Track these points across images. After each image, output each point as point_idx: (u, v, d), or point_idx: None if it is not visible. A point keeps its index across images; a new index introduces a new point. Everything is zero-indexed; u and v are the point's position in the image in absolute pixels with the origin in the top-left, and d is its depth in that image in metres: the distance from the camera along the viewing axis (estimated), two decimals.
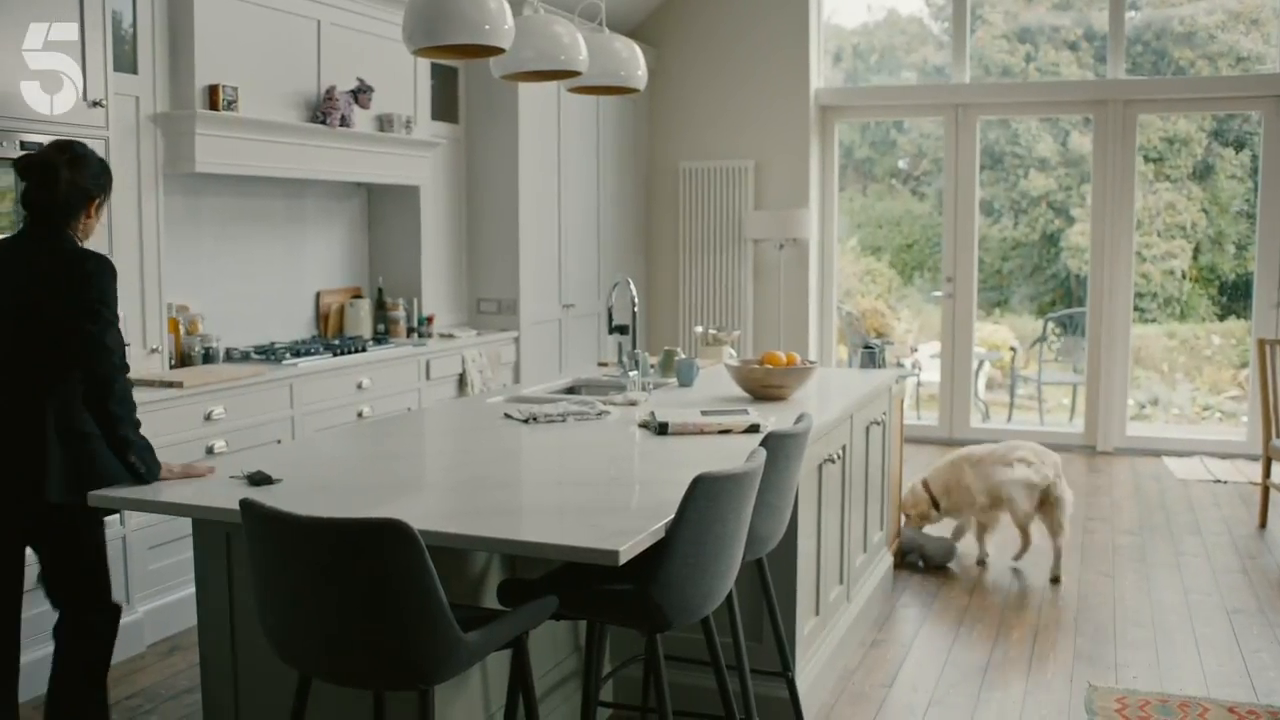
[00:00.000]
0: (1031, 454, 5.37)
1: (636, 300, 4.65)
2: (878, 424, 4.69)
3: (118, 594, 4.20)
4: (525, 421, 3.72)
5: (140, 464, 2.84)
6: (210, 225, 5.30)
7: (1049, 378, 9.44)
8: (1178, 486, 7.14)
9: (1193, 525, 6.21)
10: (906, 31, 9.20)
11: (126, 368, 2.91)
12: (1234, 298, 9.10)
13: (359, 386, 5.43)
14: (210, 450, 4.59)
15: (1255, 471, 6.97)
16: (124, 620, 4.24)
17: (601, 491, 2.92)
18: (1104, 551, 5.70)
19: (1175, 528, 6.16)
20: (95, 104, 4.05)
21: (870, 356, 9.20)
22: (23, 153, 3.29)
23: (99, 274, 2.91)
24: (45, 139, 3.87)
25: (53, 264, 2.92)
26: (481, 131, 6.92)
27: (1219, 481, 7.25)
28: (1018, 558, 5.50)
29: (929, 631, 4.58)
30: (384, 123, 5.90)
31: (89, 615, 3.14)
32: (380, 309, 6.22)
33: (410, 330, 6.28)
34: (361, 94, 5.67)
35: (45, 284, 2.91)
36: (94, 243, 3.15)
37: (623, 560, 2.24)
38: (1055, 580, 5.21)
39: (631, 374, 4.45)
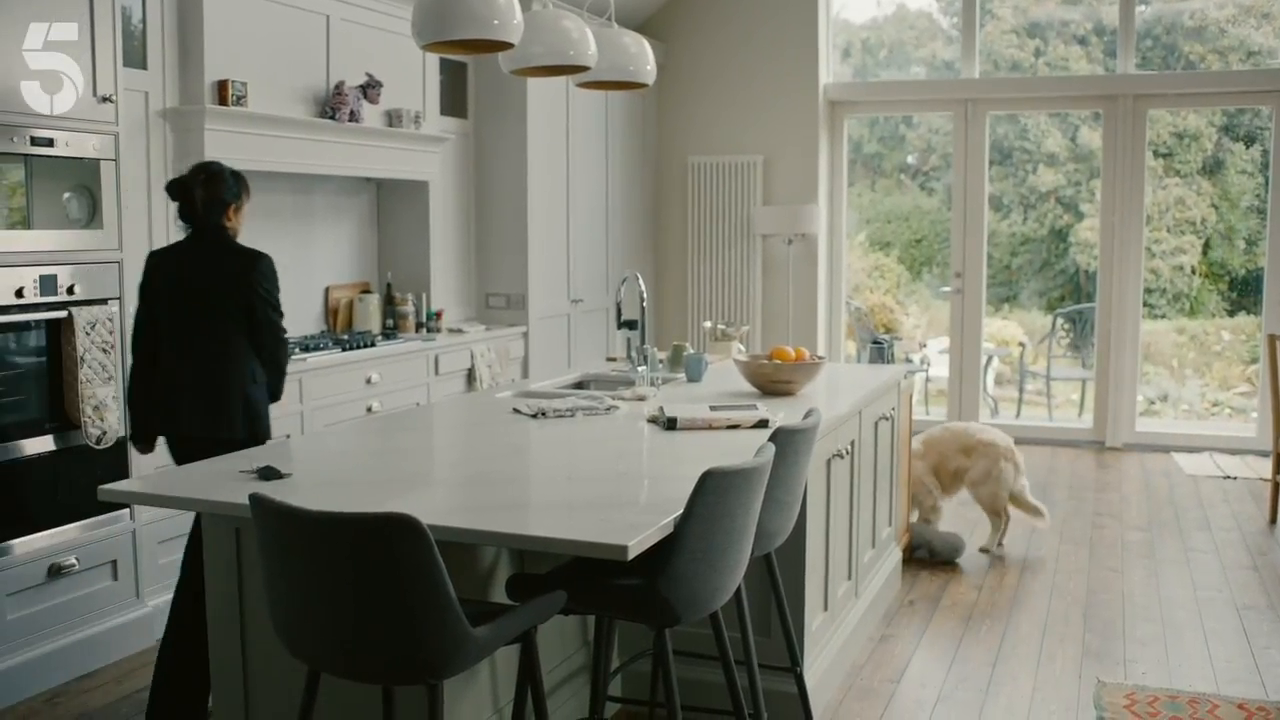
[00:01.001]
0: (981, 431, 5.66)
1: (645, 295, 4.65)
2: (886, 419, 4.68)
3: (126, 588, 4.24)
4: (534, 416, 3.72)
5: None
6: None
7: (1058, 373, 9.42)
8: (1187, 482, 7.12)
9: (1202, 521, 6.20)
10: (915, 26, 9.18)
11: (281, 352, 3.84)
12: (1244, 293, 9.07)
13: (368, 381, 5.44)
14: None
15: (1265, 467, 6.96)
16: (133, 615, 4.26)
17: (610, 486, 2.92)
18: (1113, 547, 5.69)
19: (1184, 524, 6.15)
20: (105, 99, 4.06)
21: (879, 352, 9.20)
22: (171, 176, 4.00)
23: (271, 273, 3.78)
24: (53, 134, 3.89)
25: (228, 259, 3.75)
26: (490, 127, 6.93)
27: (1228, 477, 7.23)
28: (999, 544, 5.53)
29: (937, 627, 4.58)
30: (393, 118, 5.90)
31: None
32: (389, 304, 6.23)
33: (419, 325, 6.28)
34: (370, 89, 5.67)
35: (223, 275, 3.73)
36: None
37: (631, 555, 2.24)
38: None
39: (640, 369, 4.45)
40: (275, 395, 3.87)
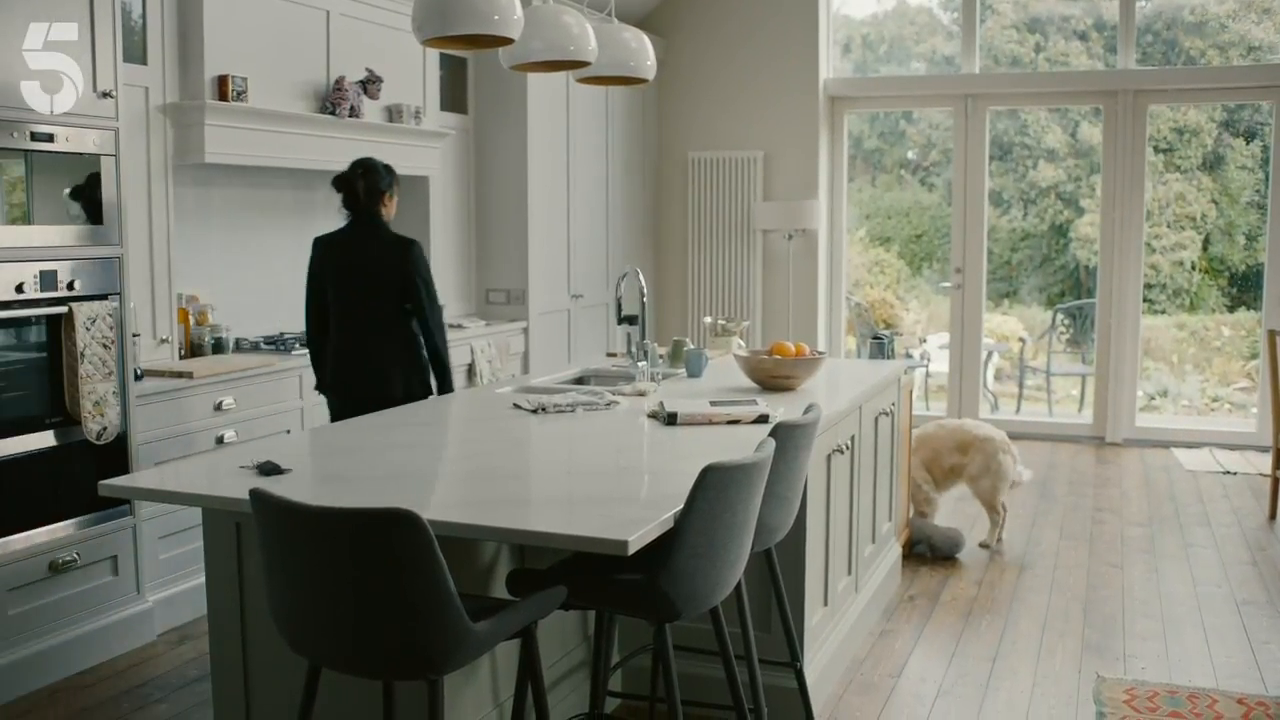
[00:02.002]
0: (975, 426, 5.68)
1: (645, 291, 4.65)
2: (886, 415, 4.68)
3: (127, 583, 4.24)
4: (534, 412, 3.72)
5: (447, 386, 4.46)
6: (220, 216, 5.31)
7: (1058, 369, 9.42)
8: (1187, 478, 7.13)
9: (1202, 517, 6.20)
10: (916, 22, 9.17)
11: (440, 319, 4.44)
12: (1244, 289, 9.07)
13: None
14: (220, 440, 4.60)
15: (1265, 463, 6.96)
16: (133, 610, 4.27)
17: (610, 481, 2.92)
18: (1113, 543, 5.69)
19: (1184, 519, 6.15)
20: (105, 95, 4.05)
21: (879, 347, 9.18)
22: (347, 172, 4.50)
23: (420, 257, 4.39)
24: (53, 129, 3.89)
25: (383, 245, 4.39)
26: (490, 122, 6.92)
27: (1228, 473, 7.23)
28: (999, 539, 5.53)
29: (937, 622, 4.58)
30: (393, 113, 5.90)
31: None
32: None
33: None
34: (370, 84, 5.67)
35: (381, 259, 4.36)
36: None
37: (632, 550, 2.25)
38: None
39: (640, 364, 4.45)
40: (444, 389, 4.43)
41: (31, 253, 3.86)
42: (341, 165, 5.59)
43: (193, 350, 4.99)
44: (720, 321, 5.74)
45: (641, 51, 4.28)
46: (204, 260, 5.20)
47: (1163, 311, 9.29)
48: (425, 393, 4.45)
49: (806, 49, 8.34)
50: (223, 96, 4.84)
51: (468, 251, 6.94)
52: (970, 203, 8.37)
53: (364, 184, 4.39)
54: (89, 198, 4.07)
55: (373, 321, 4.40)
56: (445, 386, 4.49)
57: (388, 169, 4.46)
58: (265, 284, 5.58)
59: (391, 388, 4.36)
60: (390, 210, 4.49)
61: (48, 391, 3.95)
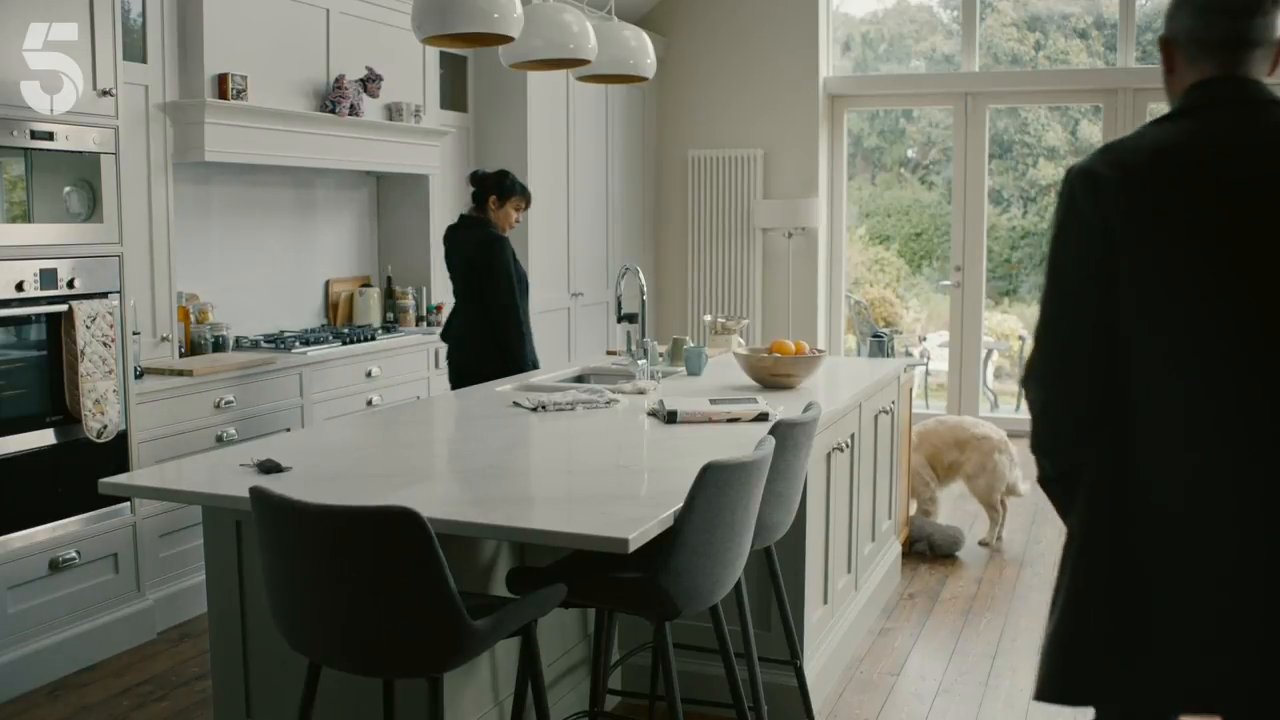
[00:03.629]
0: (972, 424, 5.68)
1: (645, 289, 4.65)
2: (886, 413, 4.68)
3: (127, 581, 4.24)
4: (534, 410, 3.72)
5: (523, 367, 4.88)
6: (220, 214, 5.31)
7: None
8: None
9: None
10: (916, 20, 9.17)
11: (514, 309, 4.86)
12: None
13: (368, 375, 5.45)
14: (220, 438, 4.61)
15: None
16: (134, 608, 4.27)
17: (610, 480, 2.92)
18: None
19: None
20: (104, 93, 4.05)
21: (879, 345, 9.19)
22: None
23: (489, 254, 4.85)
24: (53, 128, 3.89)
25: (468, 238, 4.97)
26: (490, 120, 6.92)
27: None
28: (999, 537, 5.54)
29: (937, 620, 4.58)
30: (393, 111, 5.90)
31: None
32: (389, 298, 6.23)
33: (419, 319, 6.28)
34: (370, 83, 5.67)
35: (464, 250, 4.97)
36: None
37: (632, 548, 2.25)
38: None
39: (640, 362, 4.45)
40: (509, 370, 4.76)
41: (31, 251, 3.86)
42: (341, 164, 5.64)
43: (193, 348, 4.99)
44: (720, 319, 5.74)
45: (641, 50, 4.28)
46: (204, 258, 5.20)
47: None
48: (515, 368, 4.84)
49: (806, 47, 8.33)
50: (223, 95, 4.84)
51: None
52: (970, 201, 8.37)
53: (480, 186, 4.98)
54: (89, 196, 4.07)
55: (465, 303, 4.98)
56: (511, 366, 4.88)
57: (514, 184, 5.00)
58: (265, 282, 5.59)
59: (483, 362, 4.83)
60: (497, 216, 4.96)
61: (48, 390, 3.96)
